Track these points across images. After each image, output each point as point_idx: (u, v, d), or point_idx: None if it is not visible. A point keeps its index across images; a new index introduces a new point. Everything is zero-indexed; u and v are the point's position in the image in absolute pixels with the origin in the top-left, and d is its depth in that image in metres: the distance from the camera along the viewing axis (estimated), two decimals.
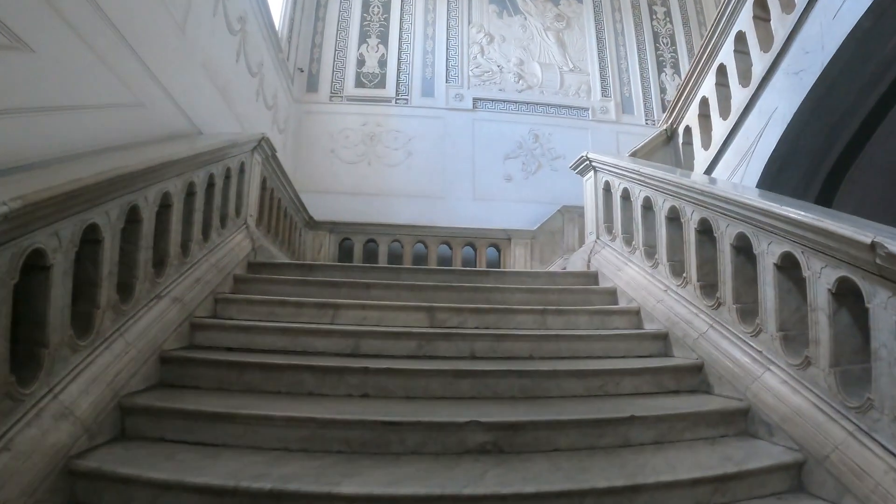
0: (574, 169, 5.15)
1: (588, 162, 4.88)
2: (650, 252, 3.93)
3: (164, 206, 3.08)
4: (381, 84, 9.19)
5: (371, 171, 8.77)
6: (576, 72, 9.74)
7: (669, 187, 3.59)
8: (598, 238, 4.77)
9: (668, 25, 10.52)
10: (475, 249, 8.10)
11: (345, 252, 7.95)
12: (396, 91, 9.16)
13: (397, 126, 8.97)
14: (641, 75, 9.95)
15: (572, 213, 8.31)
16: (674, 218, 3.66)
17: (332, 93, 9.15)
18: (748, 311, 2.97)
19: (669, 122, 5.17)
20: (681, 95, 4.99)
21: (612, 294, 4.11)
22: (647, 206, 4.00)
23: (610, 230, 4.58)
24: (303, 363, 2.79)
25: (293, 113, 8.81)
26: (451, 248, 8.06)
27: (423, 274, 4.24)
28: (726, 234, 3.06)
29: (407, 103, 9.12)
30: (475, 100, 9.25)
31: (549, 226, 8.22)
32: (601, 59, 9.88)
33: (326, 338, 3.10)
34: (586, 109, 9.52)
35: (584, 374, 2.89)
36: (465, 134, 9.08)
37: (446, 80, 9.27)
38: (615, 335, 3.38)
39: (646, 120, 9.75)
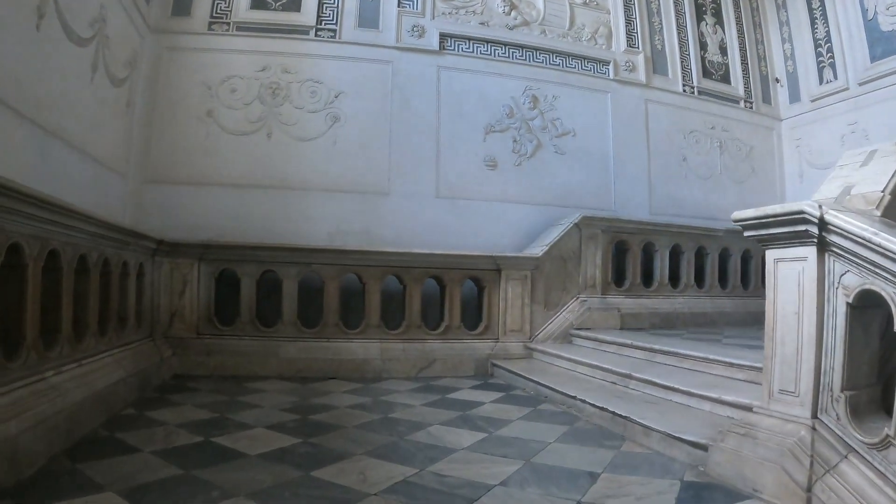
0: (753, 228, 2.15)
1: (810, 225, 1.88)
2: None
3: None
4: (294, 5, 5.70)
5: (272, 147, 5.38)
6: (591, 7, 6.59)
7: None
8: (815, 416, 1.86)
9: None
10: (443, 285, 4.99)
11: (227, 291, 4.63)
12: (318, 17, 5.69)
13: (317, 74, 5.55)
14: (677, 21, 6.95)
15: (594, 228, 5.37)
16: None
17: (213, 17, 5.57)
18: None
19: None
20: None
21: None
22: None
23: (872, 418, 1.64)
24: None
25: (147, 50, 5.24)
26: (402, 284, 4.92)
27: None
28: None
29: (334, 37, 5.69)
30: (443, 36, 5.93)
31: (560, 248, 5.22)
32: None
33: None
34: (606, 63, 6.44)
35: None
36: (425, 90, 5.80)
37: (398, 2, 5.88)
38: None
39: (683, 85, 6.83)
